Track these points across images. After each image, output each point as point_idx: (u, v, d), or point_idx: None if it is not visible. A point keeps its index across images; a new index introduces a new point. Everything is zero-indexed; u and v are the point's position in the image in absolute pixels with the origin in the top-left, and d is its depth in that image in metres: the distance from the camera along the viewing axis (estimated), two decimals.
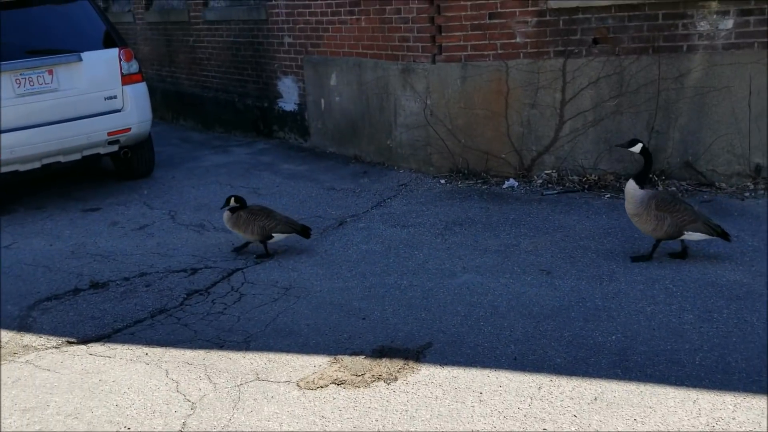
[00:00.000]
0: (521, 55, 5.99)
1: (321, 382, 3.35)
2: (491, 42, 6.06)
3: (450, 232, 5.12)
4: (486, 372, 3.30)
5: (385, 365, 3.44)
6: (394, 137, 6.82)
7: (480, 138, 6.23)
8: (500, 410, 3.01)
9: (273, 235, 4.89)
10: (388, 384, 3.29)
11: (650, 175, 4.11)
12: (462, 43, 6.16)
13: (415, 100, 6.50)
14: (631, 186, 4.22)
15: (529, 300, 3.97)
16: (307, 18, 7.66)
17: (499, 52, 6.04)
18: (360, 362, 3.49)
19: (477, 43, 6.10)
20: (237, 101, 9.19)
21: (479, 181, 6.19)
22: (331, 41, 7.43)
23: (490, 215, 5.38)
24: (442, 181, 6.29)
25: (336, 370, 3.43)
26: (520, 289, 4.11)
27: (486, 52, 6.10)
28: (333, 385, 3.32)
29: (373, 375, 3.37)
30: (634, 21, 5.65)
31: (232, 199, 4.95)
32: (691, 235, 4.17)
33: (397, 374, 3.36)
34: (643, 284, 4.05)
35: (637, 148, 4.27)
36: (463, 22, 6.10)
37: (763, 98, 5.43)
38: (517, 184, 6.05)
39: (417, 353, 3.53)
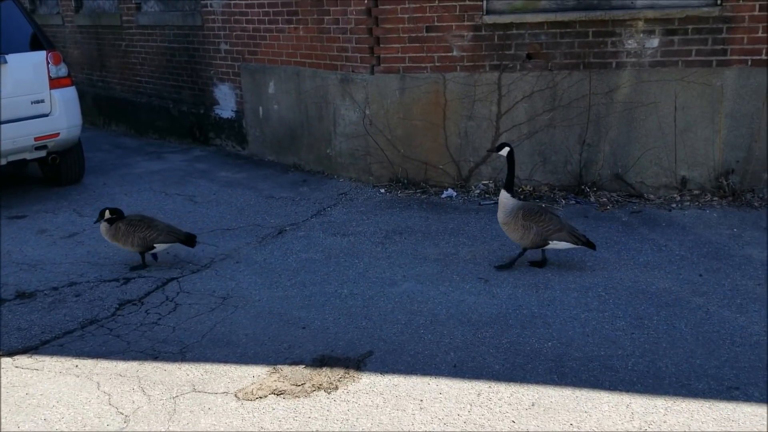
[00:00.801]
0: (458, 68, 6.10)
1: (260, 393, 3.29)
2: (429, 54, 6.15)
3: (390, 240, 5.15)
4: (426, 380, 3.32)
5: (325, 374, 3.42)
6: (333, 146, 6.81)
7: (419, 148, 6.30)
8: (440, 417, 3.04)
9: (155, 245, 4.75)
10: (329, 393, 3.26)
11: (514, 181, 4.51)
12: (400, 54, 6.22)
13: (354, 110, 6.52)
14: (503, 196, 4.41)
15: (468, 308, 4.03)
16: (244, 25, 7.58)
17: (437, 64, 6.13)
18: (300, 372, 3.45)
19: (415, 55, 6.18)
20: (172, 107, 8.99)
21: (418, 190, 6.26)
22: (268, 49, 7.37)
23: (429, 224, 5.44)
24: (382, 191, 6.32)
25: (275, 380, 3.39)
26: (459, 297, 4.17)
27: (424, 65, 6.18)
28: (272, 395, 3.27)
29: (313, 384, 3.34)
30: (566, 38, 5.84)
31: (107, 211, 4.78)
32: (556, 244, 4.37)
33: (338, 383, 3.34)
34: (577, 292, 4.17)
35: (504, 152, 4.46)
36: (401, 34, 6.17)
37: (687, 113, 5.71)
38: (455, 194, 6.14)
39: (358, 362, 3.52)
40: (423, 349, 3.59)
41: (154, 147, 8.69)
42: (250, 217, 5.83)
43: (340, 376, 3.40)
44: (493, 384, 3.25)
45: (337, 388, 3.30)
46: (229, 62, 7.95)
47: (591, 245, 4.38)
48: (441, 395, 3.19)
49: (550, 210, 4.49)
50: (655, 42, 5.68)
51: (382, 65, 6.29)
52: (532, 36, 5.91)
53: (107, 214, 4.77)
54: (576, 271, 4.48)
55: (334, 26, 6.56)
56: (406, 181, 6.36)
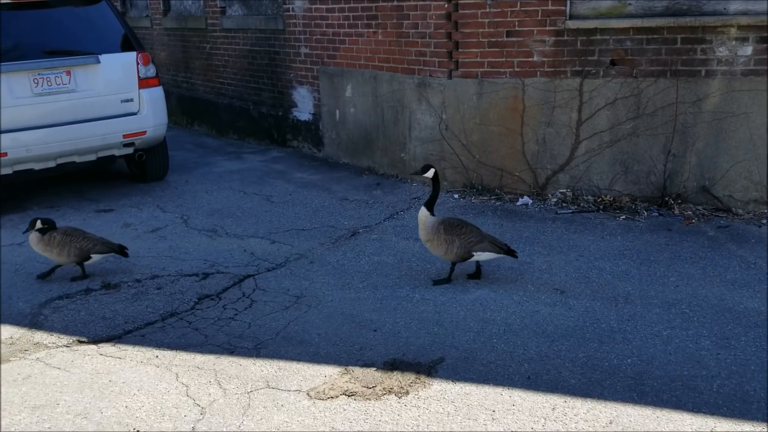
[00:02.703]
0: (538, 73, 6.00)
1: (331, 393, 3.32)
2: (508, 59, 6.07)
3: None
4: (499, 390, 3.26)
5: (396, 378, 3.41)
6: (408, 150, 6.82)
7: (495, 154, 6.22)
8: (513, 430, 2.97)
9: (92, 256, 4.69)
10: (399, 398, 3.26)
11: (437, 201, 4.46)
12: (479, 59, 6.17)
13: (430, 115, 6.51)
14: (422, 213, 4.41)
15: (543, 319, 3.94)
16: (324, 29, 7.70)
17: (516, 69, 6.05)
18: (371, 374, 3.46)
19: (494, 60, 6.11)
20: (252, 109, 9.22)
21: (493, 197, 6.18)
22: (347, 53, 7.46)
23: (503, 232, 5.36)
24: (456, 196, 6.28)
25: (347, 381, 3.41)
26: (533, 308, 4.08)
27: (503, 70, 6.10)
28: (344, 396, 3.29)
29: (384, 388, 3.34)
30: (652, 44, 5.64)
31: (39, 221, 4.65)
32: (480, 255, 4.36)
33: (409, 388, 3.33)
34: (659, 308, 4.01)
35: (429, 173, 4.45)
36: (481, 39, 6.11)
37: None
38: (531, 201, 6.03)
39: (429, 368, 3.50)
40: (495, 359, 3.54)
41: (234, 147, 8.93)
42: (325, 219, 5.90)
43: (411, 381, 3.39)
44: (568, 399, 3.16)
45: (407, 393, 3.29)
46: (308, 65, 8.09)
47: (513, 254, 4.38)
48: (514, 407, 3.13)
49: (469, 223, 4.51)
50: (748, 50, 5.41)
51: (460, 70, 6.25)
52: (616, 42, 5.74)
53: (39, 224, 4.63)
54: (658, 286, 4.31)
55: (413, 30, 6.57)
56: (480, 187, 6.29)
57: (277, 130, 8.83)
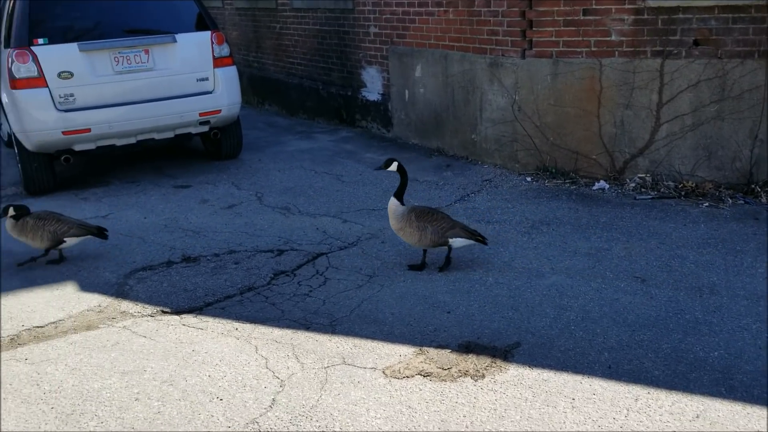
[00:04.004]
0: (616, 53, 5.81)
1: (407, 372, 3.34)
2: (585, 39, 5.89)
3: (537, 231, 5.03)
4: (578, 378, 3.22)
5: (471, 361, 3.41)
6: (479, 131, 6.74)
7: (570, 137, 6.08)
8: (594, 419, 2.93)
9: (65, 239, 4.63)
10: (476, 381, 3.25)
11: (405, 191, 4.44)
12: (554, 38, 6.02)
13: (502, 95, 6.40)
14: (392, 203, 4.42)
15: (623, 307, 3.85)
16: (394, 8, 7.65)
17: (593, 49, 5.87)
18: (446, 356, 3.47)
19: (570, 39, 5.95)
20: (321, 89, 9.28)
21: (567, 180, 6.05)
22: (417, 32, 7.40)
23: (579, 217, 5.25)
24: (528, 179, 6.19)
25: (422, 362, 3.42)
26: (612, 296, 3.99)
27: (579, 49, 5.94)
28: (419, 376, 3.31)
29: (459, 370, 3.34)
30: (738, 23, 5.38)
31: (11, 208, 4.64)
32: (454, 241, 4.36)
33: (485, 372, 3.32)
34: (747, 300, 3.86)
35: (393, 167, 4.43)
36: (556, 18, 5.96)
37: None
38: (607, 186, 5.87)
39: (505, 352, 3.48)
40: (574, 346, 3.49)
41: (304, 127, 9.02)
42: None
43: (486, 364, 3.38)
44: (652, 390, 3.09)
45: (483, 376, 3.28)
46: (378, 45, 8.07)
47: (483, 241, 4.39)
48: (594, 396, 3.08)
49: (438, 210, 4.48)
50: None
51: (534, 49, 6.12)
52: (700, 21, 5.50)
53: (11, 211, 4.63)
54: (745, 277, 4.14)
55: (485, 9, 6.45)
56: (554, 170, 6.18)
57: (346, 110, 8.87)
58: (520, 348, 3.51)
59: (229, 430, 2.94)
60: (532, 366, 3.34)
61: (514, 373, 3.30)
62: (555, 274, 4.32)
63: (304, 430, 2.93)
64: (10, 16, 6.35)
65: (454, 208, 5.61)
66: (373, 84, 8.31)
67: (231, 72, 6.97)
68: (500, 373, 3.30)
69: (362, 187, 6.28)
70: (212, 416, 3.04)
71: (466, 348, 3.53)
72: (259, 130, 8.87)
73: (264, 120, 9.58)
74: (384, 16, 7.85)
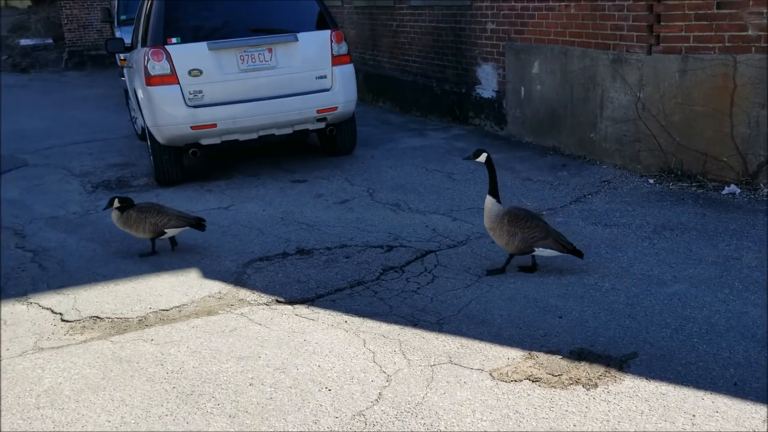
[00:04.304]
0: (753, 49, 5.39)
1: (515, 376, 3.27)
2: (718, 34, 5.51)
3: (659, 236, 4.77)
4: (700, 393, 3.02)
5: (584, 369, 3.29)
6: (598, 130, 6.49)
7: (698, 137, 5.72)
8: None
9: (165, 231, 4.79)
10: (587, 390, 3.13)
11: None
12: (683, 33, 5.67)
13: (625, 93, 6.12)
14: (488, 201, 4.32)
15: (753, 321, 3.57)
16: (513, 4, 7.50)
17: (727, 45, 5.48)
18: (557, 362, 3.37)
19: (701, 34, 5.59)
20: (435, 86, 9.28)
21: (694, 183, 5.70)
22: (536, 28, 7.22)
23: (706, 222, 4.93)
24: (651, 181, 5.88)
25: (531, 366, 3.34)
26: (741, 308, 3.72)
27: (711, 45, 5.56)
28: (527, 381, 3.23)
29: (570, 377, 3.23)
30: None
31: (116, 200, 4.85)
32: (542, 252, 4.21)
33: (598, 381, 3.19)
34: None
35: (482, 158, 4.32)
36: (686, 12, 5.61)
37: None
38: (739, 191, 5.48)
39: (620, 362, 3.33)
40: (696, 360, 3.28)
41: (417, 124, 9.06)
42: (507, 199, 5.80)
43: (600, 373, 3.25)
44: None
45: (596, 385, 3.16)
46: (494, 41, 7.95)
47: (578, 253, 4.19)
48: (717, 413, 2.88)
49: (537, 216, 4.32)
50: None
51: (661, 45, 5.80)
52: None
53: (116, 203, 4.86)
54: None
55: (610, 3, 6.19)
56: (679, 172, 5.83)
57: (459, 108, 8.81)
58: (637, 358, 3.34)
59: (336, 420, 3.01)
60: (650, 378, 3.17)
61: (629, 384, 3.15)
62: (677, 282, 4.08)
63: (410, 426, 2.94)
64: (147, 17, 6.80)
65: (569, 210, 5.44)
66: (487, 81, 8.21)
67: (348, 70, 7.10)
68: (614, 384, 3.16)
69: (473, 185, 6.22)
70: (321, 405, 3.12)
71: (578, 355, 3.41)
72: (373, 126, 9.01)
73: (378, 117, 9.72)
74: (502, 12, 7.72)
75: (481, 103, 8.39)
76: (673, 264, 4.32)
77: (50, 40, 18.91)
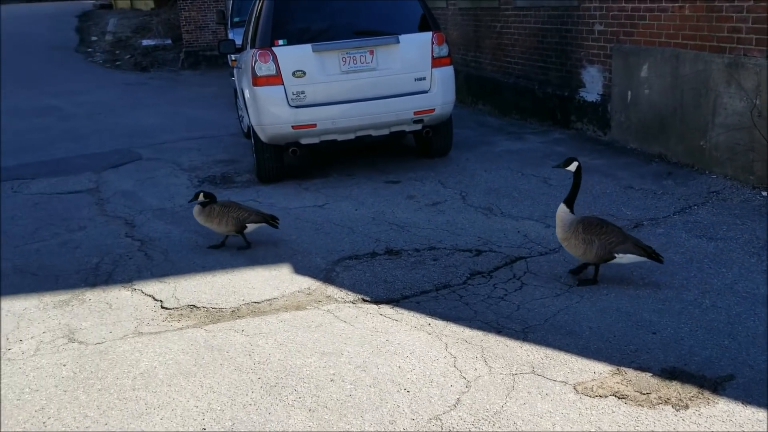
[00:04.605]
0: None
1: (600, 391, 3.16)
2: None
3: None
4: None
5: (674, 389, 3.13)
6: (708, 138, 6.13)
7: None
8: None
9: (247, 225, 5.01)
10: (677, 410, 2.98)
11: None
12: None
13: (740, 99, 5.75)
14: (561, 210, 4.20)
15: None
16: (623, 5, 7.22)
17: None
18: (646, 379, 3.22)
19: None
20: (537, 89, 9.09)
21: None
22: (646, 30, 6.91)
23: None
24: (764, 194, 5.49)
25: (618, 382, 3.21)
26: None
27: None
28: (613, 397, 3.11)
29: (659, 396, 3.09)
30: None
31: (201, 194, 5.04)
32: (622, 257, 4.07)
33: (689, 402, 3.03)
34: None
35: (572, 167, 4.20)
36: None
37: None
38: None
39: (715, 383, 3.14)
40: None
41: (515, 127, 8.91)
42: (606, 207, 5.60)
43: (692, 394, 3.08)
44: None
45: (687, 407, 2.99)
46: (602, 44, 7.69)
47: (658, 258, 4.02)
48: None
49: (609, 222, 4.16)
50: None
51: None
52: None
53: (201, 197, 5.04)
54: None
55: (727, 4, 5.83)
56: None
57: (561, 111, 8.58)
58: (734, 381, 3.14)
59: (413, 422, 3.02)
60: (746, 403, 2.97)
61: (723, 407, 2.96)
62: None
63: None
64: (257, 19, 7.08)
65: (671, 221, 5.18)
66: (592, 84, 7.95)
67: (447, 72, 7.07)
68: (707, 406, 2.99)
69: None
70: (398, 407, 3.14)
71: (670, 374, 3.25)
72: (471, 129, 8.94)
73: (476, 119, 9.64)
74: (611, 13, 7.45)
75: (584, 106, 8.13)
76: None
77: (169, 41, 20.08)
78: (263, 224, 5.13)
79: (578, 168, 4.24)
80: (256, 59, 6.67)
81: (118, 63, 19.05)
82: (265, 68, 6.66)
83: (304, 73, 6.66)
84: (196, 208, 5.15)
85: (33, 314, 4.30)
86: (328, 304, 4.21)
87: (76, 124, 11.16)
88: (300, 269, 4.75)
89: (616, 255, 4.08)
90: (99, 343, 3.87)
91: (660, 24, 6.71)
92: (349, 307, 4.17)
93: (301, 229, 5.52)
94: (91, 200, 6.77)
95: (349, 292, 4.35)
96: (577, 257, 4.28)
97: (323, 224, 5.63)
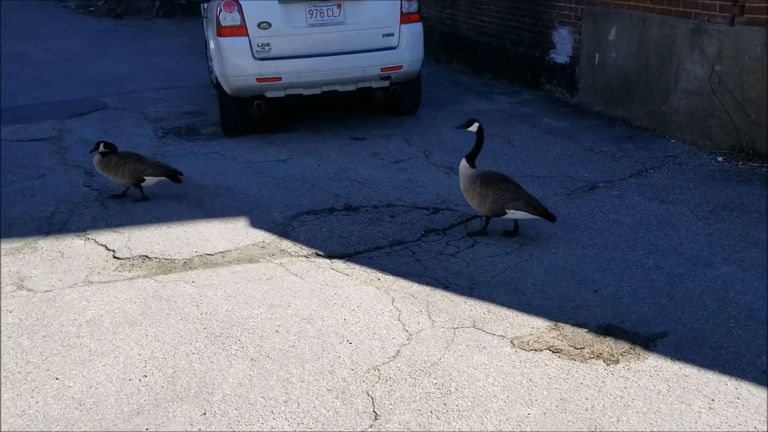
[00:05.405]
0: None
1: (536, 345, 3.26)
2: None
3: (716, 216, 4.55)
4: (724, 379, 2.92)
5: (608, 344, 3.23)
6: (670, 103, 6.18)
7: None
8: (732, 425, 2.66)
9: (145, 178, 5.00)
10: (607, 365, 3.08)
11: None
12: None
13: (701, 65, 5.78)
14: (463, 164, 4.47)
15: None
16: None
17: None
18: (581, 335, 3.32)
19: None
20: (509, 48, 9.04)
21: (765, 164, 5.37)
22: None
23: None
24: (719, 159, 5.58)
25: (554, 337, 3.31)
26: None
27: None
28: (548, 351, 3.21)
29: (592, 351, 3.19)
30: None
31: (102, 144, 5.06)
32: (513, 213, 4.27)
33: (620, 357, 3.13)
34: None
35: (473, 127, 4.47)
36: None
37: None
38: None
39: (647, 340, 3.25)
40: (728, 345, 3.16)
41: (486, 87, 8.89)
42: (564, 168, 5.66)
43: (623, 350, 3.18)
44: None
45: (618, 361, 3.10)
46: (573, 5, 7.64)
47: (551, 217, 4.22)
48: (738, 400, 2.78)
49: (510, 179, 4.39)
50: None
51: (745, 16, 5.43)
52: None
53: (101, 147, 5.06)
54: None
55: None
56: (751, 151, 5.50)
57: (532, 72, 8.57)
58: (666, 338, 3.25)
59: (352, 372, 3.09)
60: (675, 359, 3.09)
61: (652, 363, 3.07)
62: (726, 265, 3.90)
63: (421, 385, 2.99)
64: None
65: (627, 183, 5.25)
66: (562, 46, 7.93)
67: (416, 28, 6.99)
68: (637, 361, 3.10)
69: (532, 152, 6.09)
70: (339, 357, 3.21)
71: (605, 330, 3.36)
72: (442, 87, 8.90)
73: (449, 78, 9.58)
74: None
75: (553, 68, 8.13)
76: (726, 246, 4.13)
77: None
78: (164, 179, 5.11)
79: (479, 128, 4.48)
80: (221, 9, 6.55)
81: (91, 9, 18.54)
82: (230, 18, 6.54)
83: (270, 24, 6.55)
84: (96, 158, 5.15)
85: None
86: (281, 258, 4.25)
87: (42, 70, 10.90)
88: (256, 223, 4.77)
89: (507, 211, 4.27)
90: (47, 291, 3.89)
91: None
92: (302, 261, 4.21)
93: (261, 183, 5.51)
94: (52, 149, 6.68)
95: (303, 247, 4.39)
96: (474, 208, 4.50)
97: (284, 179, 5.62)
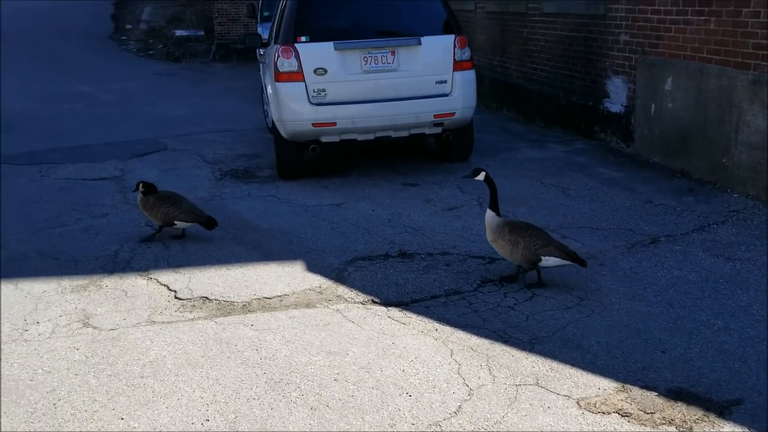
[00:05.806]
0: None
1: (603, 408, 3.15)
2: None
3: None
4: None
5: (679, 410, 3.11)
6: (731, 155, 6.05)
7: None
8: None
9: (175, 222, 5.12)
10: None
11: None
12: None
13: (763, 117, 5.67)
14: (489, 215, 4.48)
15: None
16: (649, 16, 7.15)
17: None
18: (651, 399, 3.20)
19: None
20: (561, 97, 9.04)
21: None
22: (671, 42, 6.84)
23: None
24: None
25: (622, 400, 3.20)
26: None
27: None
28: (616, 414, 3.10)
29: (663, 417, 3.07)
30: None
31: (141, 184, 5.24)
32: (547, 260, 4.25)
33: (693, 424, 3.01)
34: None
35: (480, 176, 4.47)
36: None
37: None
38: None
39: (721, 407, 3.11)
40: None
41: (538, 135, 8.87)
42: (623, 220, 5.56)
43: (697, 416, 3.05)
44: None
45: (691, 429, 2.97)
46: (626, 54, 7.62)
47: (582, 262, 4.23)
48: None
49: (536, 227, 4.42)
50: None
51: None
52: None
53: (141, 187, 5.24)
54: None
55: (753, 20, 5.75)
56: None
57: (585, 121, 8.52)
58: (741, 406, 3.11)
59: (412, 427, 3.03)
60: (752, 428, 2.94)
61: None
62: None
63: None
64: (281, 15, 7.13)
65: (689, 238, 5.13)
66: (616, 95, 7.89)
67: (469, 76, 7.06)
68: (711, 430, 2.96)
69: (588, 203, 6.01)
70: (399, 410, 3.16)
71: (676, 394, 3.23)
72: (493, 135, 8.91)
73: (499, 125, 9.61)
74: (637, 24, 7.39)
75: (607, 117, 8.07)
76: None
77: (201, 32, 20.26)
78: (195, 224, 5.20)
79: (487, 176, 4.48)
80: (278, 55, 6.72)
81: (150, 52, 19.29)
82: (287, 64, 6.71)
83: (326, 70, 6.69)
84: (139, 196, 5.33)
85: (51, 297, 4.39)
86: (337, 304, 4.24)
87: (105, 111, 11.33)
88: (312, 267, 4.79)
89: (541, 257, 4.23)
90: (112, 330, 3.95)
91: (685, 37, 6.63)
92: (358, 307, 4.19)
93: (317, 227, 5.55)
94: (115, 188, 6.88)
95: (360, 293, 4.38)
96: (506, 258, 4.45)
97: (339, 223, 5.66)
